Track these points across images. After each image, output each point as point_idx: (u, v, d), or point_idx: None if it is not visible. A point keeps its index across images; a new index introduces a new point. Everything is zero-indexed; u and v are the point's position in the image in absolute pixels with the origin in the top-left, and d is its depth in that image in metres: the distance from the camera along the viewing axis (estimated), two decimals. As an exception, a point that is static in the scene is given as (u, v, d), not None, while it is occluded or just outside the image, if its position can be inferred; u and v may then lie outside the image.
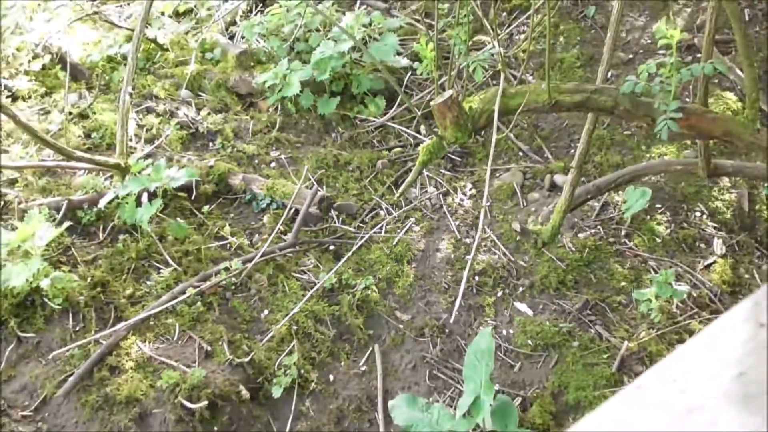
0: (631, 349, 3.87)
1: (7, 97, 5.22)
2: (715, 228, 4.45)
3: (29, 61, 5.43)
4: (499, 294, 4.24)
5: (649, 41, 5.53)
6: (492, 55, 4.54)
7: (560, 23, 5.84)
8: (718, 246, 4.37)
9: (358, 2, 6.13)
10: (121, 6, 6.48)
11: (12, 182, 4.57)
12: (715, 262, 4.29)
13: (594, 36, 5.72)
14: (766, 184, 4.44)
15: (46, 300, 3.86)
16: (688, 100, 4.75)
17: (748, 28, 5.20)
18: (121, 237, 4.32)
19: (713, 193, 4.59)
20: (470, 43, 5.04)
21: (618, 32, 3.61)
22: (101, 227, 4.39)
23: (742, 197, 4.56)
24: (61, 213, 4.27)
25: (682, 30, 3.14)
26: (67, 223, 4.11)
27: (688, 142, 4.74)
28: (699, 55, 4.49)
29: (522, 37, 5.80)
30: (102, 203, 4.24)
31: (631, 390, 1.11)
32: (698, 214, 4.52)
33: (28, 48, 5.50)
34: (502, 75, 3.67)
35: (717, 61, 3.28)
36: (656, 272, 4.17)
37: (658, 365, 1.14)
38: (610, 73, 5.18)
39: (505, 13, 6.10)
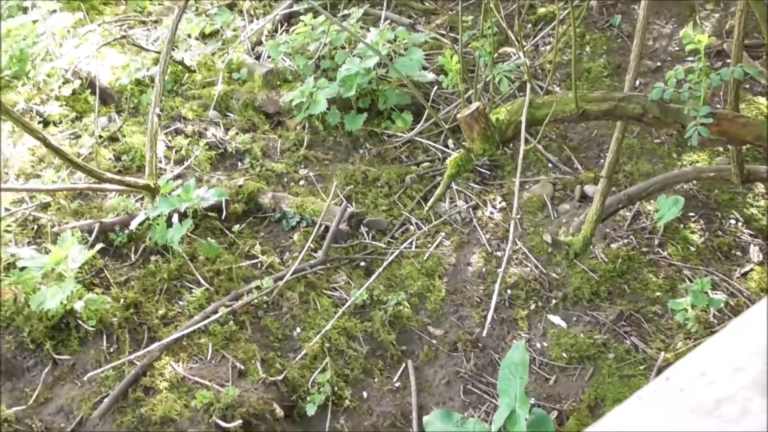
0: (668, 359, 3.83)
1: (39, 122, 5.25)
2: (750, 235, 4.41)
3: (60, 87, 5.47)
4: (532, 307, 4.22)
5: (676, 48, 5.50)
6: (518, 66, 4.53)
7: (586, 33, 5.82)
8: (754, 253, 4.32)
9: (383, 18, 6.13)
10: (148, 29, 6.53)
11: (45, 206, 4.60)
12: (752, 269, 4.24)
13: (621, 45, 5.70)
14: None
15: (80, 322, 3.87)
16: (718, 106, 4.72)
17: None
18: (152, 258, 4.34)
19: (748, 199, 4.55)
20: (496, 55, 5.04)
21: (644, 40, 3.59)
22: (133, 249, 4.41)
23: (777, 203, 4.52)
24: (94, 235, 4.29)
25: (710, 35, 3.12)
26: (99, 246, 4.12)
27: (720, 148, 4.70)
28: (728, 61, 4.46)
29: (548, 48, 5.78)
30: (133, 225, 4.26)
31: (660, 382, 1.11)
32: (733, 221, 4.48)
33: (58, 74, 5.55)
34: (529, 86, 3.66)
35: (747, 65, 3.26)
36: (691, 281, 4.13)
37: (686, 358, 1.14)
38: (638, 82, 5.15)
39: (530, 25, 6.09)
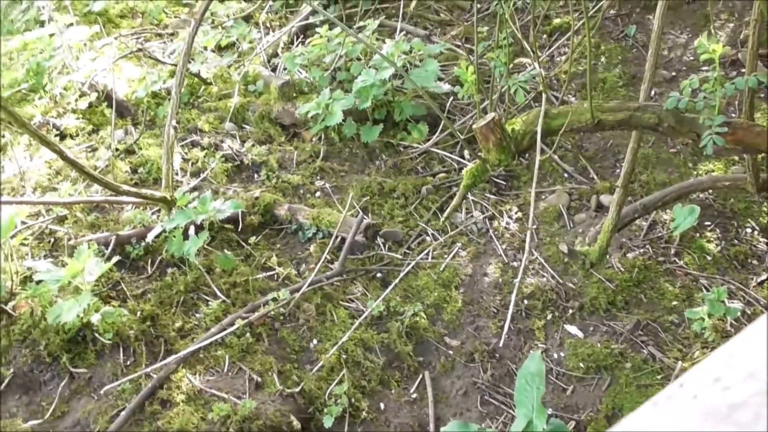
0: (686, 369, 3.81)
1: (56, 135, 5.28)
2: (767, 244, 4.39)
3: (76, 100, 5.50)
4: (549, 317, 4.21)
5: (691, 58, 5.49)
6: (533, 77, 4.54)
7: (601, 43, 5.82)
8: (771, 262, 4.31)
9: (398, 30, 6.14)
10: (164, 42, 6.56)
11: (61, 219, 4.62)
12: (768, 278, 4.23)
13: (636, 55, 5.69)
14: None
15: (96, 335, 3.88)
16: (734, 115, 4.71)
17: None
18: (169, 270, 4.35)
19: (764, 208, 4.53)
20: (511, 66, 5.04)
21: (659, 49, 3.59)
22: (149, 261, 4.42)
23: (794, 212, 4.50)
24: (110, 248, 4.30)
25: (725, 45, 3.11)
26: (115, 258, 4.12)
27: (736, 157, 4.68)
28: (743, 70, 4.46)
29: (563, 58, 5.78)
30: (150, 237, 4.27)
31: (674, 388, 1.11)
32: (749, 230, 4.46)
33: (75, 87, 5.57)
34: (544, 96, 3.66)
35: (761, 73, 3.25)
36: (708, 290, 4.12)
37: (700, 364, 1.14)
38: (653, 92, 5.14)
39: (545, 36, 6.09)
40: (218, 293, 4.23)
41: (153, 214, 4.65)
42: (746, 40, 4.07)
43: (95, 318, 3.84)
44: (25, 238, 4.42)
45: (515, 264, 4.49)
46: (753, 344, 1.14)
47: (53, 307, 3.79)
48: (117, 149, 5.17)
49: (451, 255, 4.57)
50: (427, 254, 4.58)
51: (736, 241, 4.41)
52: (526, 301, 4.27)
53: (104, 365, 3.83)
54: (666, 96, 3.29)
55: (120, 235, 4.40)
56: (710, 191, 4.60)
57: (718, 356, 1.15)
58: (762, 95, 5.01)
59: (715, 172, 4.73)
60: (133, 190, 4.30)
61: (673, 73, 5.47)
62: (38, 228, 4.53)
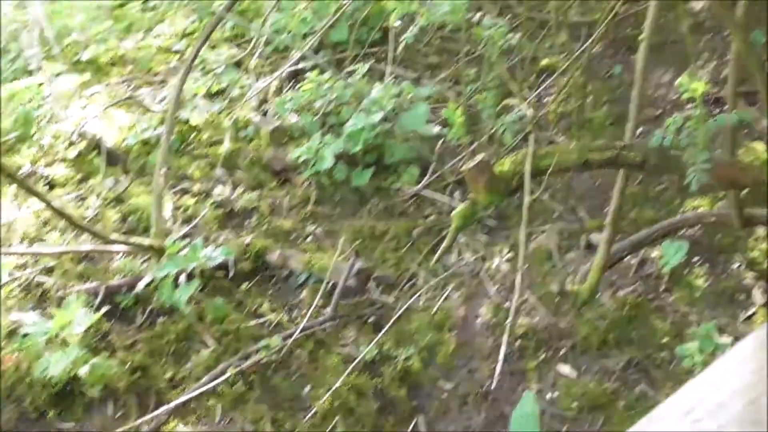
0: (679, 407, 3.79)
1: (45, 185, 5.28)
2: (754, 278, 4.39)
3: (65, 149, 5.50)
4: (542, 357, 4.19)
5: (675, 96, 5.51)
6: (521, 117, 4.56)
7: (588, 83, 5.84)
8: (757, 295, 4.30)
9: (388, 73, 6.15)
10: (154, 90, 6.57)
11: (49, 270, 4.60)
12: (755, 312, 4.22)
13: (622, 93, 5.71)
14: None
15: (85, 388, 3.85)
16: (717, 151, 4.73)
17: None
18: (159, 319, 4.33)
19: (749, 243, 4.54)
20: (500, 107, 5.06)
21: (644, 89, 3.61)
22: (140, 310, 4.39)
23: (780, 246, 4.51)
24: (99, 298, 4.28)
25: (707, 83, 3.14)
26: (105, 308, 4.10)
27: (722, 193, 4.69)
28: (727, 108, 4.48)
29: (550, 98, 5.80)
30: (140, 286, 4.25)
31: (644, 423, 1.12)
32: (736, 265, 4.46)
33: (64, 136, 5.58)
34: (532, 137, 3.68)
35: (743, 111, 3.27)
36: (698, 326, 4.11)
37: (671, 398, 1.16)
38: (640, 130, 5.16)
39: (533, 76, 6.12)
40: (209, 342, 4.21)
41: (143, 262, 4.64)
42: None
43: (84, 371, 3.80)
44: (11, 290, 4.40)
45: (507, 305, 4.48)
46: (723, 376, 1.16)
47: (40, 360, 3.76)
48: (106, 198, 5.16)
49: (444, 297, 4.56)
50: (420, 297, 4.57)
51: (724, 276, 4.41)
52: (518, 342, 4.26)
53: (93, 419, 3.80)
54: (652, 134, 3.31)
55: (109, 285, 4.38)
56: (698, 227, 4.60)
57: (689, 389, 1.17)
58: (745, 132, 5.02)
59: (701, 209, 4.74)
60: (122, 238, 4.30)
61: (659, 111, 5.50)
62: (25, 279, 4.51)
